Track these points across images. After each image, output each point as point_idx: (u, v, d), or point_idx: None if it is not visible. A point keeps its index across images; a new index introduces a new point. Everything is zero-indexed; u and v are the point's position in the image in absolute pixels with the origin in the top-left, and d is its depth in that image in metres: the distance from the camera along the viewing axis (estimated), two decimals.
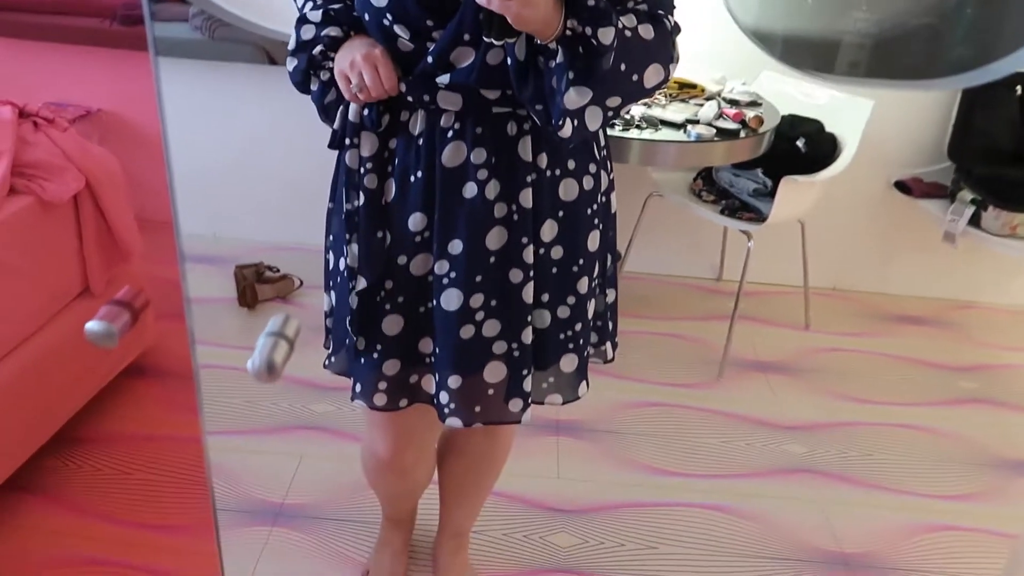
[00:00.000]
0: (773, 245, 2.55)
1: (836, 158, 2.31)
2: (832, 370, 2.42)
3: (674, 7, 1.07)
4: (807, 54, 2.26)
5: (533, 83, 0.98)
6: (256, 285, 2.47)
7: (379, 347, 1.16)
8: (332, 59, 1.07)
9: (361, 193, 1.12)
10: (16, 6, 2.83)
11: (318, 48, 1.07)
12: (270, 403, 2.07)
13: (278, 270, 2.56)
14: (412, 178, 1.09)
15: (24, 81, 2.92)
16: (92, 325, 0.64)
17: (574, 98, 0.96)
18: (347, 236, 1.14)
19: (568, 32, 0.94)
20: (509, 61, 0.98)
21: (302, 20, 1.09)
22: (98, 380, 1.97)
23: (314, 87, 1.10)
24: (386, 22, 1.02)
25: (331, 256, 1.23)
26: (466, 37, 1.00)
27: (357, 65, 1.02)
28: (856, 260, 2.83)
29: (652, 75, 1.02)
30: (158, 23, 2.76)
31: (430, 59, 1.02)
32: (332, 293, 1.24)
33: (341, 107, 1.10)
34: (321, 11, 1.08)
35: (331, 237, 1.22)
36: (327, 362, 1.27)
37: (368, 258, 1.12)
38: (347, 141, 1.11)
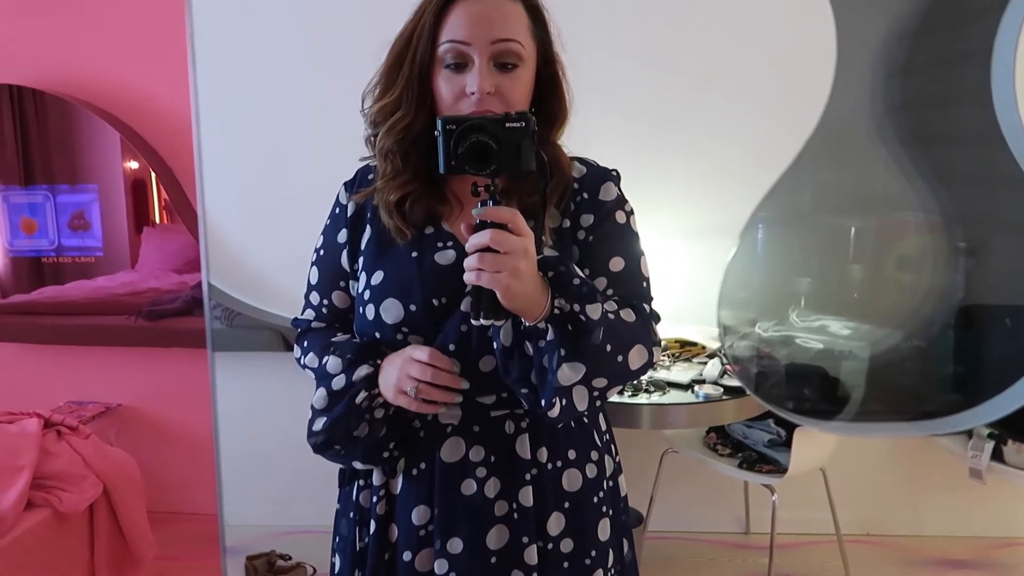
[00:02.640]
0: (799, 493, 2.49)
1: (847, 402, 2.34)
2: None
3: (651, 298, 1.12)
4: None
5: (519, 367, 0.99)
6: None
7: None
8: (378, 395, 1.06)
9: (372, 523, 1.11)
10: (51, 309, 3.01)
11: (361, 396, 1.05)
12: None
13: (290, 557, 2.47)
14: (415, 471, 1.09)
15: (48, 383, 3.03)
16: None
17: (568, 374, 0.96)
18: (356, 572, 1.12)
19: (556, 311, 0.95)
20: (495, 346, 1.00)
21: (324, 375, 1.07)
22: None
23: (363, 432, 1.06)
24: (399, 336, 1.07)
25: (337, 559, 1.20)
26: (451, 347, 1.04)
27: (412, 376, 1.01)
28: (886, 503, 2.75)
29: (636, 356, 1.03)
30: (183, 318, 2.92)
31: None
32: None
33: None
34: (338, 357, 1.07)
35: (337, 539, 1.20)
36: None
37: None
38: (360, 481, 1.13)
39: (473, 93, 1.00)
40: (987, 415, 1.79)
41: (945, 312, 1.98)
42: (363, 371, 1.07)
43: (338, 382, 1.07)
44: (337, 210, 1.16)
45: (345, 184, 1.16)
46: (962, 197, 1.90)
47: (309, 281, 1.19)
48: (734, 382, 2.13)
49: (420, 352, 1.03)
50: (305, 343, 1.18)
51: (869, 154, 1.90)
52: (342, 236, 1.14)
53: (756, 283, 2.08)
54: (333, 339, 1.13)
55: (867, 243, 2.05)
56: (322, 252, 1.17)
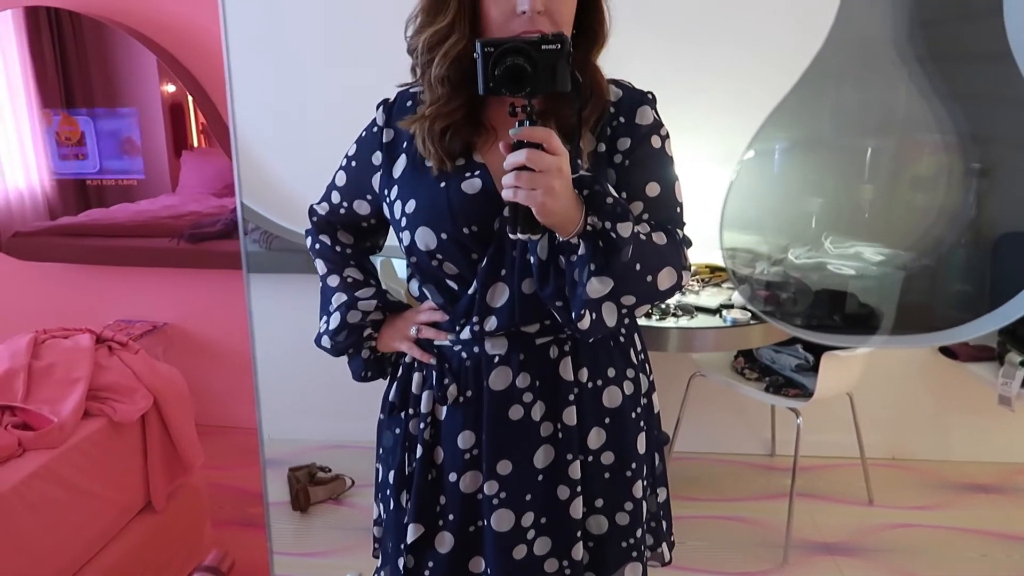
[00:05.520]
0: (825, 417, 2.52)
1: (876, 326, 2.34)
2: (904, 548, 2.31)
3: (684, 223, 1.14)
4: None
5: (554, 281, 1.03)
6: (309, 488, 2.49)
7: (431, 564, 1.17)
8: (375, 339, 1.24)
9: (420, 447, 1.17)
10: (97, 231, 3.10)
11: (367, 331, 1.23)
12: None
13: (330, 470, 2.59)
14: (461, 398, 1.15)
15: (97, 302, 3.15)
16: None
17: (596, 287, 0.99)
18: (403, 495, 1.20)
19: (589, 228, 0.98)
20: (532, 260, 1.04)
21: (351, 305, 1.22)
22: None
23: (354, 363, 1.27)
24: (435, 263, 1.11)
25: (380, 467, 1.27)
26: (502, 272, 1.08)
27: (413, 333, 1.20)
28: (912, 428, 2.77)
29: (665, 278, 1.06)
30: (223, 240, 3.00)
31: (471, 292, 1.10)
32: (380, 505, 1.27)
33: (397, 381, 1.23)
34: (368, 299, 1.23)
35: (381, 449, 1.27)
36: None
37: (421, 507, 1.16)
38: (409, 411, 1.20)
39: (524, 12, 1.00)
40: (998, 321, 1.79)
41: (960, 232, 1.97)
42: (376, 316, 1.24)
43: (353, 316, 1.22)
44: (375, 129, 1.17)
45: (384, 104, 1.17)
46: (977, 117, 1.87)
47: (335, 180, 1.25)
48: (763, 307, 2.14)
49: (424, 316, 1.19)
50: (317, 246, 1.28)
51: (888, 72, 1.85)
52: (377, 158, 1.16)
53: (764, 206, 2.07)
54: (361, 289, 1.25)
55: (885, 163, 2.02)
56: (354, 163, 1.21)
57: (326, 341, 1.23)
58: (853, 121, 2.00)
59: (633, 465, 1.19)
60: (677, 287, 1.09)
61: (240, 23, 1.99)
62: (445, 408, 1.16)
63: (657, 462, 1.28)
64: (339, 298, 1.22)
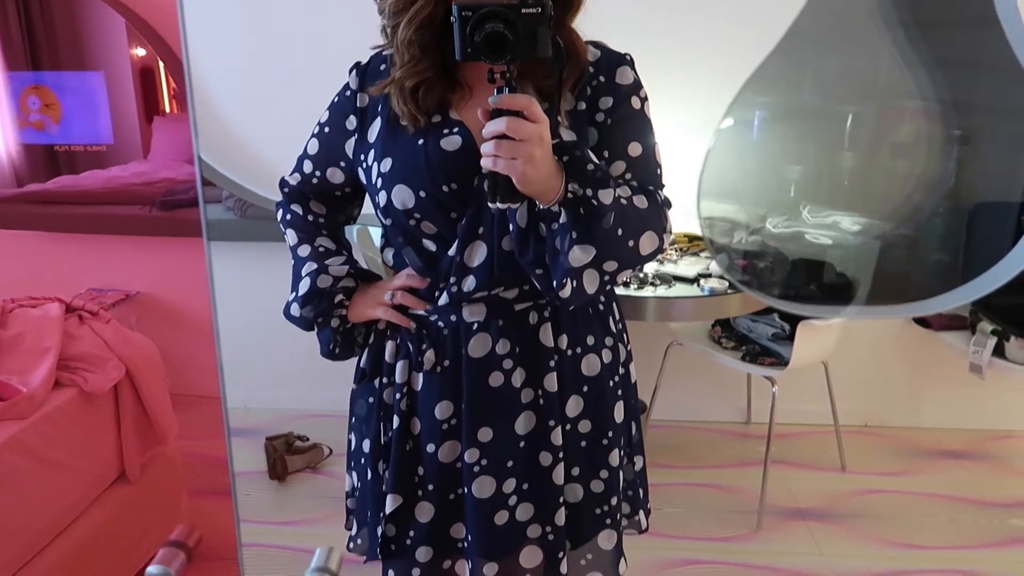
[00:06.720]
0: (800, 385, 2.55)
1: (852, 296, 2.36)
2: (875, 514, 2.35)
3: (663, 184, 1.13)
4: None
5: (534, 248, 1.02)
6: (286, 457, 2.49)
7: (411, 534, 1.17)
8: (346, 307, 1.19)
9: (396, 417, 1.16)
10: (67, 199, 3.04)
11: (338, 298, 1.17)
12: None
13: (307, 439, 2.59)
14: (439, 368, 1.14)
15: (67, 270, 3.10)
16: (152, 570, 0.67)
17: (578, 255, 0.98)
18: (380, 465, 1.19)
19: (570, 195, 0.97)
20: (511, 228, 1.03)
21: (321, 270, 1.18)
22: (135, 563, 1.97)
23: (323, 335, 1.22)
24: (412, 222, 1.09)
25: (353, 437, 1.26)
26: (480, 230, 1.07)
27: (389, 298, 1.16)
28: (885, 395, 2.81)
29: (647, 242, 1.05)
30: (196, 208, 2.95)
31: (452, 253, 1.08)
32: (354, 473, 1.26)
33: (369, 348, 1.21)
34: (341, 266, 1.19)
35: (353, 418, 1.26)
36: (351, 544, 1.28)
37: (399, 478, 1.16)
38: (383, 379, 1.18)
39: None
40: (982, 288, 1.80)
41: (943, 200, 1.97)
42: (349, 283, 1.19)
43: (324, 280, 1.18)
44: (347, 93, 1.15)
45: (357, 68, 1.15)
46: (959, 83, 1.87)
47: (307, 149, 1.21)
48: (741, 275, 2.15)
49: (402, 282, 1.15)
50: (288, 216, 1.24)
51: (871, 37, 1.84)
52: (351, 123, 1.14)
53: (742, 175, 2.06)
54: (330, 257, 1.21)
55: (865, 131, 2.01)
56: (327, 129, 1.18)
57: (295, 309, 1.19)
58: (834, 87, 1.99)
59: (610, 434, 1.19)
60: (659, 250, 1.08)
61: None
62: (421, 377, 1.15)
63: (634, 431, 1.29)
64: (310, 266, 1.19)
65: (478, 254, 1.08)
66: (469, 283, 1.09)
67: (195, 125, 1.83)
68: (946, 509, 2.39)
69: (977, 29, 1.74)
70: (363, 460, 1.23)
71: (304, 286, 1.17)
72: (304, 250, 1.21)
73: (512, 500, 1.14)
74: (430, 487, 1.16)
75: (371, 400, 1.21)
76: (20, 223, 3.04)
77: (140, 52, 2.91)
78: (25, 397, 1.71)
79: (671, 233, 1.11)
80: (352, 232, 2.39)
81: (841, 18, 1.83)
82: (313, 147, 1.20)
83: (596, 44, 1.12)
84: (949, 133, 1.91)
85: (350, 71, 1.15)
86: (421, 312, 1.15)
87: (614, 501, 1.21)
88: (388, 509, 1.15)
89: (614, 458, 1.20)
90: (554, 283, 1.01)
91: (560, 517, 1.15)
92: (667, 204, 1.11)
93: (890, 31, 1.82)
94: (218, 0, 2.09)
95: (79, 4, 2.84)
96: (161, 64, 2.88)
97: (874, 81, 1.94)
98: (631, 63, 1.12)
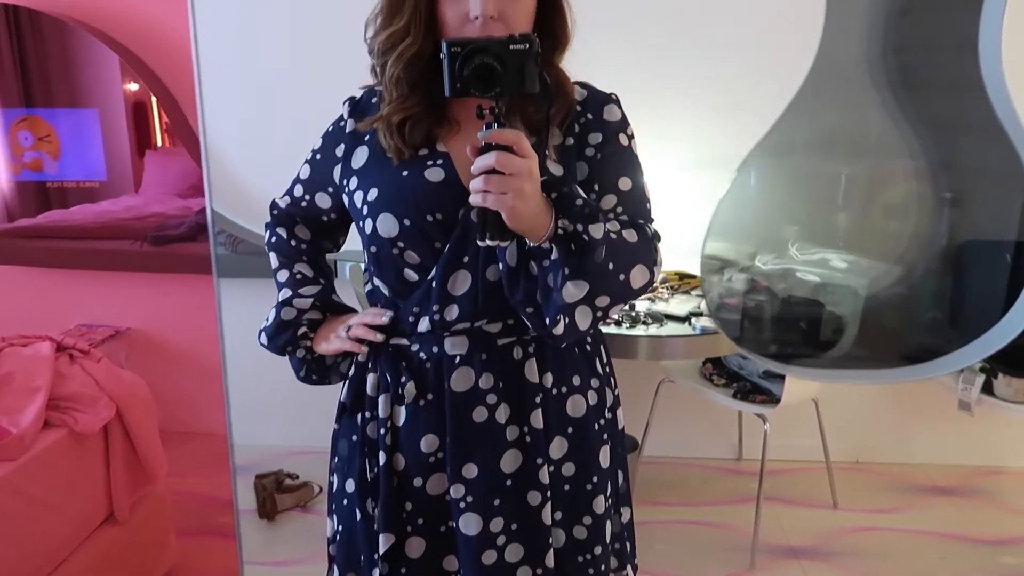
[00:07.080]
0: (791, 421, 2.56)
1: (840, 338, 2.38)
2: (868, 552, 2.35)
3: (652, 219, 1.14)
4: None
5: (524, 287, 1.02)
6: (276, 495, 2.46)
7: (404, 571, 1.16)
8: (311, 339, 1.21)
9: (382, 454, 1.14)
10: (57, 233, 3.03)
11: (302, 330, 1.20)
12: None
13: (297, 477, 2.56)
14: (422, 401, 1.13)
15: (57, 306, 3.08)
16: None
17: (572, 291, 0.98)
18: (369, 503, 1.16)
19: (560, 231, 0.97)
20: (501, 267, 1.03)
21: (286, 303, 1.20)
22: None
23: (293, 360, 1.25)
24: (396, 251, 1.09)
25: (335, 478, 1.23)
26: (465, 259, 1.07)
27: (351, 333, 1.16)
28: (875, 431, 2.83)
29: (638, 276, 1.05)
30: (188, 243, 2.95)
31: (434, 283, 1.08)
32: (335, 517, 1.23)
33: (350, 381, 1.20)
34: (307, 297, 1.21)
35: (336, 459, 1.24)
36: None
37: (389, 515, 1.14)
38: (366, 414, 1.16)
39: (477, 17, 1.00)
40: (975, 354, 1.83)
41: (931, 256, 2.01)
42: (313, 315, 1.21)
43: (288, 313, 1.21)
44: (340, 123, 1.17)
45: (351, 101, 1.17)
46: (947, 145, 1.91)
47: (299, 174, 1.23)
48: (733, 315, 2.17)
49: (362, 319, 1.17)
50: (273, 239, 1.26)
51: (863, 98, 1.89)
52: (340, 150, 1.16)
53: (745, 220, 2.09)
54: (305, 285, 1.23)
55: (858, 188, 2.05)
56: (319, 156, 1.20)
57: (263, 338, 1.21)
58: (828, 145, 2.03)
59: (595, 479, 1.17)
60: (650, 284, 1.08)
61: (209, 24, 1.96)
62: (404, 411, 1.14)
63: (621, 480, 1.26)
64: (284, 294, 1.21)
65: (462, 283, 1.08)
66: (452, 312, 1.08)
67: (207, 162, 1.84)
68: (937, 547, 2.39)
69: (964, 93, 1.79)
70: (346, 501, 1.20)
71: (271, 317, 1.21)
72: (283, 275, 1.24)
73: (500, 540, 1.12)
74: (419, 521, 1.15)
75: (354, 439, 1.19)
76: (10, 258, 3.02)
77: (133, 87, 2.93)
78: (15, 438, 1.69)
79: (661, 266, 1.12)
80: (345, 269, 2.39)
81: (837, 75, 1.87)
82: (305, 172, 1.22)
83: (583, 84, 1.15)
84: (940, 195, 1.95)
85: (344, 103, 1.18)
86: (403, 342, 1.14)
87: (597, 550, 1.18)
88: (382, 549, 1.14)
89: (599, 504, 1.18)
90: (547, 320, 1.01)
91: (550, 559, 1.13)
92: (657, 237, 1.12)
93: (879, 92, 1.86)
94: (221, 39, 2.11)
95: (73, 41, 2.86)
96: (153, 98, 2.89)
97: (865, 139, 1.98)
98: (617, 101, 1.14)
